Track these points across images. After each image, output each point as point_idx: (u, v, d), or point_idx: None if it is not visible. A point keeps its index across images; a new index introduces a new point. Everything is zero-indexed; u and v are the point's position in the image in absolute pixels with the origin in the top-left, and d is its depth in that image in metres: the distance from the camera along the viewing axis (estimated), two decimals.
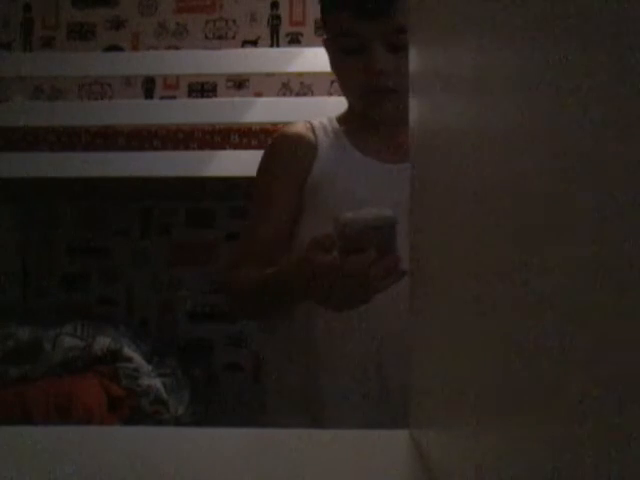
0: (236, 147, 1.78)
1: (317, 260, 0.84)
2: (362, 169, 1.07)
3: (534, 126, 0.24)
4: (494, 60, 0.29)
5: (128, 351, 2.10)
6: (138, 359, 2.10)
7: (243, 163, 1.71)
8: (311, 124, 1.13)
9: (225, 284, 1.09)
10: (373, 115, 1.09)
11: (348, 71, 1.06)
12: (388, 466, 0.43)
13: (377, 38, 1.01)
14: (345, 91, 1.10)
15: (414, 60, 0.53)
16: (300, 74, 2.44)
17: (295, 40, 2.64)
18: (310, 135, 1.11)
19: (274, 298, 0.99)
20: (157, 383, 2.07)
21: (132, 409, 2.01)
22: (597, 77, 0.19)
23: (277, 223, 1.06)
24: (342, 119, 1.14)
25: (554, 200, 0.22)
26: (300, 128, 1.13)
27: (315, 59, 1.89)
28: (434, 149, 0.42)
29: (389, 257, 0.83)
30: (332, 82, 2.40)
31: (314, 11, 2.63)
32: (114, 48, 2.70)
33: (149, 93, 2.70)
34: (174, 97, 2.62)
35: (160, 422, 2.03)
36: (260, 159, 1.14)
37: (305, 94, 2.60)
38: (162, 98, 2.64)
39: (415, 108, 0.53)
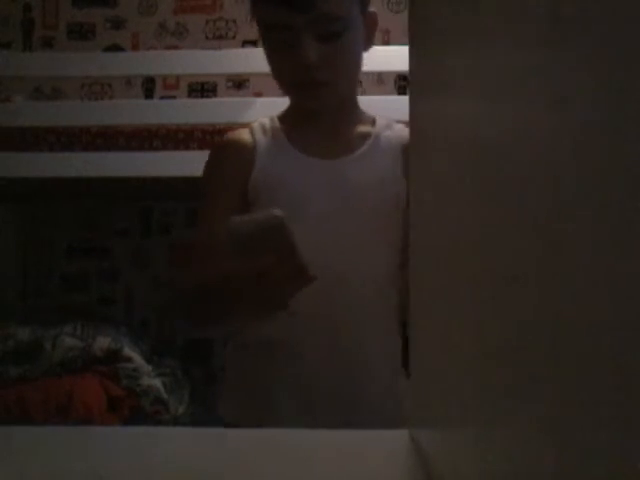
0: None
1: (220, 267, 0.84)
2: (300, 167, 1.05)
3: (532, 126, 0.24)
4: (492, 62, 0.29)
5: (128, 351, 2.10)
6: (138, 359, 2.10)
7: None
8: (251, 126, 1.11)
9: (174, 283, 1.09)
10: (307, 109, 1.07)
11: (279, 65, 1.03)
12: (388, 466, 0.43)
13: (305, 29, 0.97)
14: (280, 86, 1.07)
15: (414, 60, 0.53)
16: None
17: None
18: (247, 137, 1.09)
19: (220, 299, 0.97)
20: (157, 383, 2.07)
21: (132, 409, 2.01)
22: (596, 79, 0.19)
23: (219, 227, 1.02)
24: (283, 117, 1.12)
25: (555, 191, 0.22)
26: (239, 132, 1.11)
27: None
28: (432, 143, 0.42)
29: (291, 261, 0.81)
30: None
31: None
32: (114, 48, 2.69)
33: (149, 93, 2.70)
34: (174, 97, 2.62)
35: (160, 422, 2.03)
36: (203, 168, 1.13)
37: None
38: (162, 98, 2.64)
39: (414, 105, 0.53)
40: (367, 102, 1.17)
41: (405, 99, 0.65)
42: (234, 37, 2.68)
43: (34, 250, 2.68)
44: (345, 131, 1.10)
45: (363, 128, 1.11)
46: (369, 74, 2.53)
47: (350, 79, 1.08)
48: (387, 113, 1.16)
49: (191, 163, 1.80)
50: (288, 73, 1.02)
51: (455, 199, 0.36)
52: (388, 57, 1.92)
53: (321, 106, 1.05)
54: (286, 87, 1.06)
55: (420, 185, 0.48)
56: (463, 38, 0.34)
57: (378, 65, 1.88)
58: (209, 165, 1.11)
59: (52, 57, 2.34)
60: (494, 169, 0.29)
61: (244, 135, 1.10)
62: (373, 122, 1.12)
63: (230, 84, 2.66)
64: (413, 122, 0.55)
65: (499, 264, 0.28)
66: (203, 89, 2.67)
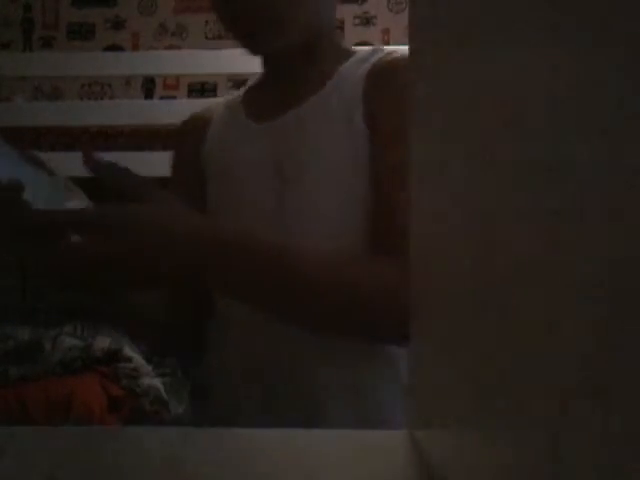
0: None
1: None
2: (241, 136, 0.91)
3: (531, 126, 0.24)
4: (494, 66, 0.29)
5: (128, 351, 2.10)
6: (138, 359, 2.10)
7: None
8: (217, 102, 1.02)
9: None
10: (255, 54, 0.91)
11: (219, 9, 0.86)
12: (388, 466, 0.43)
13: None
14: (225, 29, 0.89)
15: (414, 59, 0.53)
16: None
17: None
18: (205, 113, 0.99)
19: None
20: (157, 383, 2.07)
21: (132, 409, 2.01)
22: (596, 81, 0.19)
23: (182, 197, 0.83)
24: (254, 82, 1.00)
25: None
26: (201, 110, 1.02)
27: None
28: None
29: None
30: None
31: None
32: (114, 48, 2.70)
33: (149, 93, 2.70)
34: (174, 97, 2.62)
35: (160, 422, 2.03)
36: None
37: None
38: (162, 98, 2.64)
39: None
40: None
41: None
42: None
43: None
44: (303, 78, 0.89)
45: (327, 67, 0.87)
46: None
47: (315, 12, 0.86)
48: None
49: None
50: (229, 9, 0.84)
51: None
52: None
53: (275, 51, 0.87)
54: (231, 29, 0.87)
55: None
56: (465, 41, 0.34)
57: None
58: (173, 148, 1.04)
59: (52, 57, 2.34)
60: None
61: (204, 112, 1.00)
62: (348, 57, 0.88)
63: (230, 84, 2.66)
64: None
65: (503, 257, 0.28)
66: (203, 89, 2.67)
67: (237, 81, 2.65)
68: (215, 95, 2.66)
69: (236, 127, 0.93)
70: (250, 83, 1.01)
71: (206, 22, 2.68)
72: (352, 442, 0.47)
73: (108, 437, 0.49)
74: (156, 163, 1.80)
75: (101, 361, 2.07)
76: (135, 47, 2.70)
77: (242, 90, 1.01)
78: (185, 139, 1.00)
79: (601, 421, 0.19)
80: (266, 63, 0.94)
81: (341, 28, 2.58)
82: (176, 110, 1.92)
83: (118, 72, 2.25)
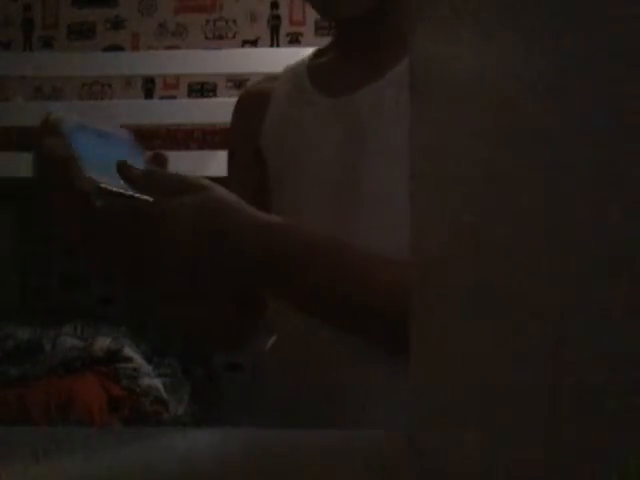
0: None
1: None
2: (309, 111, 0.84)
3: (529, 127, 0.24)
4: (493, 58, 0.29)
5: (128, 351, 2.10)
6: (138, 359, 2.10)
7: None
8: (275, 76, 0.93)
9: None
10: (337, 23, 0.86)
11: None
12: (388, 466, 0.43)
13: None
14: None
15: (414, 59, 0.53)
16: None
17: (295, 40, 2.63)
18: (266, 86, 0.92)
19: None
20: (157, 383, 2.07)
21: (132, 409, 2.01)
22: (596, 74, 0.19)
23: (237, 185, 0.79)
24: (320, 50, 0.92)
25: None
26: (261, 82, 0.95)
27: None
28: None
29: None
30: None
31: (314, 11, 2.63)
32: (114, 48, 2.69)
33: (149, 93, 2.70)
34: (174, 97, 2.62)
35: (160, 422, 2.03)
36: None
37: None
38: (162, 98, 2.64)
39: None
40: None
41: None
42: (234, 37, 2.68)
43: (34, 250, 2.68)
44: (380, 49, 0.83)
45: (400, 47, 0.78)
46: None
47: None
48: None
49: (191, 163, 1.80)
50: None
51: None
52: None
53: (353, 16, 0.80)
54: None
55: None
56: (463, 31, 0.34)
57: None
58: (231, 124, 0.96)
59: (52, 57, 2.34)
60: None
61: (263, 84, 0.93)
62: None
63: (230, 84, 2.66)
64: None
65: (505, 253, 0.28)
66: (203, 89, 2.67)
67: (237, 81, 2.65)
68: (215, 95, 2.66)
69: (303, 102, 0.86)
70: (311, 54, 0.92)
71: (206, 22, 2.68)
72: (352, 442, 0.47)
73: (108, 437, 0.49)
74: None
75: (101, 361, 2.07)
76: (135, 47, 2.69)
77: (302, 62, 0.92)
78: (242, 119, 0.92)
79: (597, 423, 0.19)
80: (340, 31, 0.88)
81: None
82: (176, 110, 1.92)
83: (118, 72, 2.26)
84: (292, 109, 0.86)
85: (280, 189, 0.85)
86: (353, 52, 0.85)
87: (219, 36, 2.69)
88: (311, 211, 0.81)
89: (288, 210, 0.81)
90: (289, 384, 0.83)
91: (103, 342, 2.10)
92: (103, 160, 0.63)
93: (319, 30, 2.57)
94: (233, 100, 1.00)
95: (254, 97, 0.92)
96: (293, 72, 0.90)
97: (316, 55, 0.91)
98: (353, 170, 0.79)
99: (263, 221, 0.66)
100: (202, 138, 1.82)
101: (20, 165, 1.85)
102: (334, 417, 0.77)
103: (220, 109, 1.87)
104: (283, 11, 2.66)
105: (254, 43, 2.65)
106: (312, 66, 0.89)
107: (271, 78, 0.93)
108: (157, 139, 1.85)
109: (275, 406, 0.87)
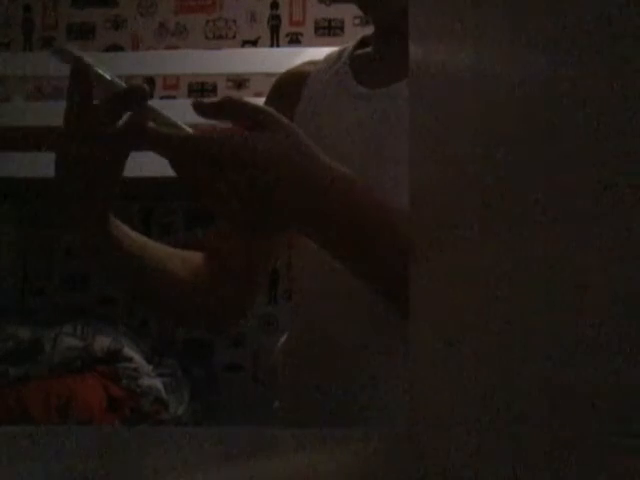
0: None
1: None
2: (343, 100, 0.87)
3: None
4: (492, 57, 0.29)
5: (128, 351, 2.10)
6: (138, 359, 2.10)
7: None
8: (314, 61, 0.96)
9: None
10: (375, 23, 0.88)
11: None
12: (388, 466, 0.43)
13: None
14: None
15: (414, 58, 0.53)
16: None
17: (295, 40, 2.63)
18: (305, 69, 0.94)
19: None
20: (157, 383, 2.07)
21: (132, 409, 2.01)
22: (594, 78, 0.19)
23: None
24: (367, 37, 0.93)
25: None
26: (303, 63, 0.97)
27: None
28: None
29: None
30: None
31: (314, 11, 2.63)
32: (114, 48, 2.69)
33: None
34: (174, 97, 2.62)
35: (160, 422, 2.03)
36: None
37: None
38: (162, 98, 2.64)
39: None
40: None
41: None
42: (234, 37, 2.68)
43: (34, 250, 2.68)
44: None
45: None
46: None
47: None
48: None
49: None
50: None
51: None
52: None
53: (394, 13, 0.82)
54: None
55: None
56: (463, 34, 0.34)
57: None
58: (265, 102, 0.97)
59: (52, 57, 2.34)
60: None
61: (303, 66, 0.96)
62: None
63: (230, 84, 2.66)
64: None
65: (507, 250, 0.28)
66: (203, 89, 2.67)
67: (237, 81, 2.65)
68: (215, 95, 2.66)
69: (341, 89, 0.87)
70: (357, 41, 0.95)
71: (206, 22, 2.68)
72: (352, 442, 0.47)
73: (108, 437, 0.49)
74: (156, 163, 1.80)
75: (101, 361, 2.07)
76: (135, 47, 2.69)
77: (344, 49, 0.94)
78: (277, 97, 0.93)
79: (601, 421, 0.19)
80: (379, 25, 0.90)
81: (341, 28, 2.58)
82: (176, 110, 1.91)
83: (118, 72, 2.25)
84: (328, 94, 0.88)
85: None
86: (392, 46, 0.86)
87: (219, 36, 2.69)
88: None
89: None
90: (306, 381, 0.84)
91: (103, 342, 2.10)
92: None
93: (319, 30, 2.57)
94: None
95: (292, 77, 0.94)
96: (336, 58, 0.92)
97: (361, 42, 0.93)
98: (379, 159, 0.80)
99: (347, 172, 0.67)
100: None
101: (20, 165, 1.85)
102: (350, 413, 0.77)
103: None
104: (283, 11, 2.66)
105: (254, 43, 2.65)
106: (355, 55, 0.91)
107: (312, 62, 0.96)
108: None
109: (293, 404, 0.87)
